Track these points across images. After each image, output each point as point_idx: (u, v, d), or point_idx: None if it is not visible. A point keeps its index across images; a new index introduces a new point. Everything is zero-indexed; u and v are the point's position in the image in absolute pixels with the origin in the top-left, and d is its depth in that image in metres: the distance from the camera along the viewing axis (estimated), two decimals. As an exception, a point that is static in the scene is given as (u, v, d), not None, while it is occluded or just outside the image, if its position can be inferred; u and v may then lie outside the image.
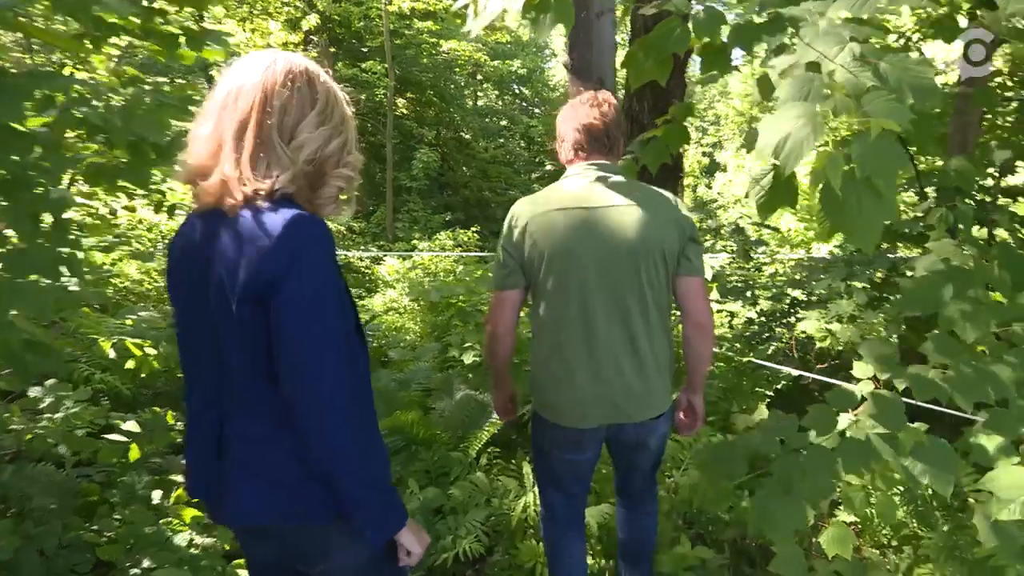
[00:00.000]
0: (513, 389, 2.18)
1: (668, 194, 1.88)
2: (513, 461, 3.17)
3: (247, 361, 1.15)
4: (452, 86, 19.86)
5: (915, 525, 2.83)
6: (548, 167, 21.14)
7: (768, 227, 5.45)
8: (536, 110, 23.89)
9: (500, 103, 23.18)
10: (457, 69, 19.43)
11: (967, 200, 2.98)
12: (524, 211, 1.84)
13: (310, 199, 1.21)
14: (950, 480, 1.68)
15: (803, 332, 3.51)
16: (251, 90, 1.16)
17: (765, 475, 1.81)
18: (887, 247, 4.83)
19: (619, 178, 1.84)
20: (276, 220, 1.10)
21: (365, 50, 16.70)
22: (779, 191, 1.79)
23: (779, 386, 3.55)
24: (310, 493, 1.18)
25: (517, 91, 23.76)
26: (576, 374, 1.83)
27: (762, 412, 3.41)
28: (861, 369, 2.08)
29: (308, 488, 1.18)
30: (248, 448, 1.20)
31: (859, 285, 3.68)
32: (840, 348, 3.41)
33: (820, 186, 1.39)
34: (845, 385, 2.09)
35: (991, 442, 1.86)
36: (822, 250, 8.92)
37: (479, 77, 21.74)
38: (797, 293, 4.63)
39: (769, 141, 1.42)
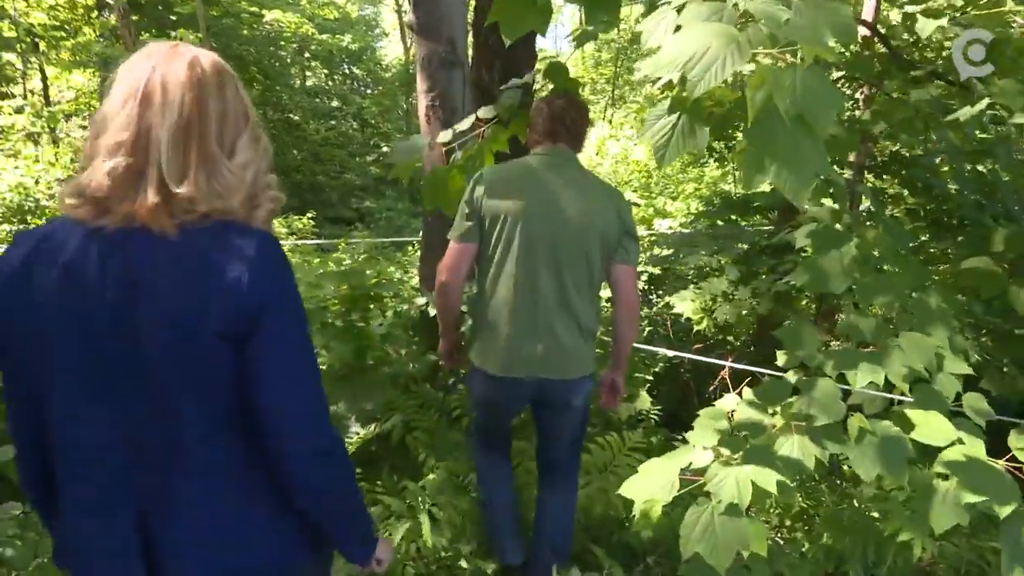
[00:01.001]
0: (459, 337, 2.33)
1: (615, 189, 2.12)
2: (379, 483, 2.71)
3: (204, 411, 0.98)
4: (277, 63, 18.45)
5: (804, 501, 2.78)
6: (384, 148, 20.52)
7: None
8: (368, 90, 23.04)
9: (330, 83, 22.01)
10: (283, 43, 18.06)
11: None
12: (490, 174, 2.01)
13: (247, 223, 1.03)
14: (904, 467, 1.51)
15: (677, 312, 3.38)
16: (180, 86, 0.97)
17: (700, 491, 1.57)
18: (747, 222, 4.92)
19: (577, 165, 2.07)
20: (246, 244, 0.96)
21: (174, 18, 14.96)
22: (684, 132, 1.50)
23: (657, 369, 3.42)
24: (285, 535, 1.09)
25: (347, 71, 22.72)
26: (514, 325, 2.00)
27: (644, 400, 3.24)
28: (786, 358, 1.91)
29: (281, 531, 1.08)
30: (203, 518, 1.01)
31: (726, 260, 3.62)
32: (715, 328, 3.33)
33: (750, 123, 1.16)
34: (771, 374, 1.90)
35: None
36: (662, 226, 9.17)
37: (307, 54, 20.43)
38: (657, 270, 4.56)
39: (677, 54, 1.15)
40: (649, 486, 1.64)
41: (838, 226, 2.25)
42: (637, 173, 12.37)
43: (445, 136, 2.37)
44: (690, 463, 1.65)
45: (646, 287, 4.66)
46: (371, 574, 1.23)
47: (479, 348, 2.09)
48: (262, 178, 1.06)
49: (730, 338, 3.63)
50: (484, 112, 2.47)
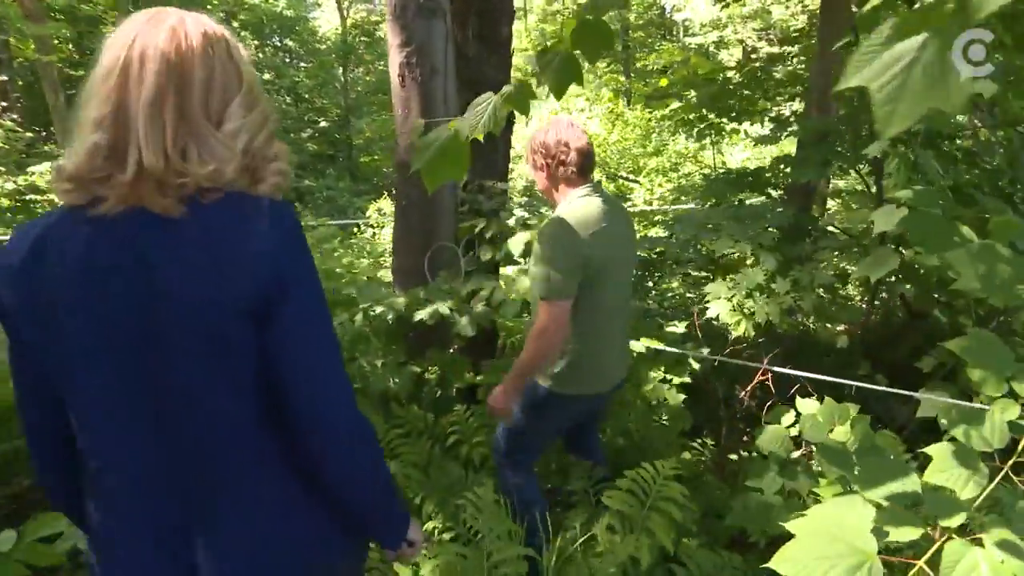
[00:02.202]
0: None
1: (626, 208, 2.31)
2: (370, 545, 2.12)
3: (236, 405, 0.93)
4: (203, 31, 17.07)
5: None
6: (322, 123, 19.48)
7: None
8: (303, 63, 21.84)
9: (261, 54, 20.68)
10: (209, 8, 16.73)
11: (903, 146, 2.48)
12: (584, 228, 2.03)
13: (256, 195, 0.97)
14: None
15: (711, 316, 2.85)
16: (158, 56, 0.90)
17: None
18: (753, 199, 4.44)
19: (610, 197, 2.21)
20: (261, 216, 0.92)
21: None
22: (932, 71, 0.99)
23: (685, 377, 2.91)
24: (327, 535, 1.03)
25: (280, 42, 21.43)
26: (606, 351, 2.19)
27: (680, 416, 2.72)
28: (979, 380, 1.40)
29: (323, 531, 1.03)
30: (243, 520, 0.96)
31: (756, 248, 3.11)
32: (756, 329, 2.81)
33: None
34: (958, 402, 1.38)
35: None
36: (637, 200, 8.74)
37: (235, 24, 19.08)
38: (652, 254, 4.05)
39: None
40: (817, 564, 1.10)
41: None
42: (598, 148, 11.90)
43: (417, 128, 1.69)
44: (885, 529, 1.12)
45: (643, 272, 4.16)
46: (402, 557, 1.20)
47: (562, 374, 2.15)
48: (263, 147, 0.99)
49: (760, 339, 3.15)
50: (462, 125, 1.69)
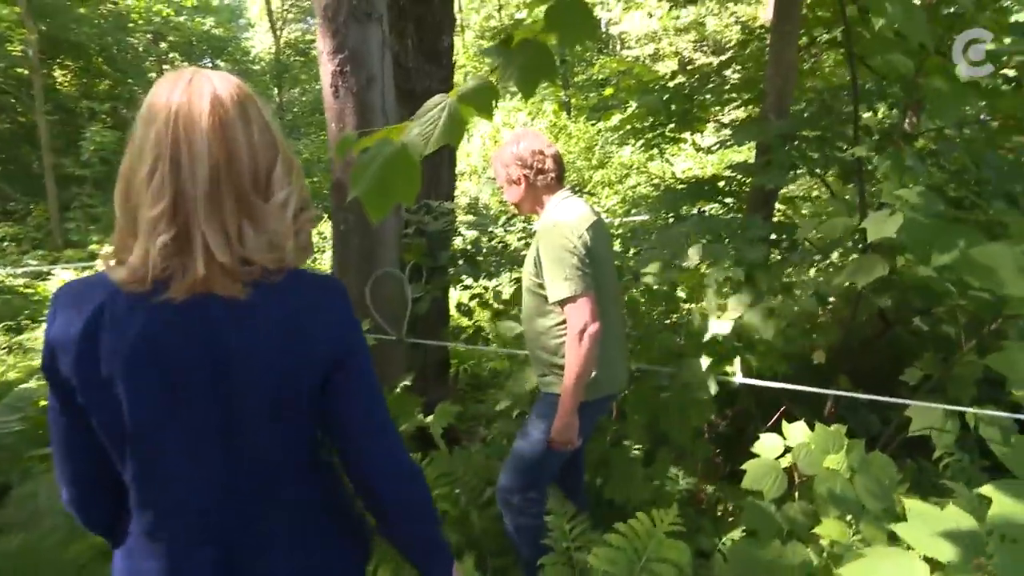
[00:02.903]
0: None
1: None
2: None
3: (294, 458, 1.05)
4: (128, 52, 16.35)
5: None
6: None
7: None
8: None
9: (192, 76, 19.89)
10: (133, 27, 16.00)
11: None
12: (580, 225, 2.11)
13: (306, 268, 1.05)
14: None
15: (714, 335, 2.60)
16: (204, 140, 0.90)
17: None
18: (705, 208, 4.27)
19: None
20: (324, 296, 1.03)
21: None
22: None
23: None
24: (352, 561, 1.17)
25: (211, 63, 20.75)
26: (616, 346, 2.27)
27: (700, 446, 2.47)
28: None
29: (349, 555, 1.17)
30: (293, 555, 1.07)
31: (727, 264, 2.89)
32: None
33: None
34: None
35: None
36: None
37: (163, 45, 18.34)
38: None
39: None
40: None
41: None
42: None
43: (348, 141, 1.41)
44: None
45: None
46: None
47: (595, 379, 2.15)
48: (306, 209, 1.02)
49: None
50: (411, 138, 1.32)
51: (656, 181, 10.05)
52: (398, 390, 2.52)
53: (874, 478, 2.12)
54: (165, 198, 0.89)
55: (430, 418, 2.40)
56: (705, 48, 18.97)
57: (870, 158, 2.28)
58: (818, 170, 2.97)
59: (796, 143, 3.21)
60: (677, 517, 1.99)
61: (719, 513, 2.96)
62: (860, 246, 2.58)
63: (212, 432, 0.97)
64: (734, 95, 4.34)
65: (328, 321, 1.00)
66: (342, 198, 2.89)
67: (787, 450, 2.30)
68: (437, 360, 4.12)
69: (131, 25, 15.94)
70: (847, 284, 2.55)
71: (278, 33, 22.07)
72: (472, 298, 3.87)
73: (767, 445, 2.35)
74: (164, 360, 0.93)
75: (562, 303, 2.05)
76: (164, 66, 18.89)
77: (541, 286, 2.14)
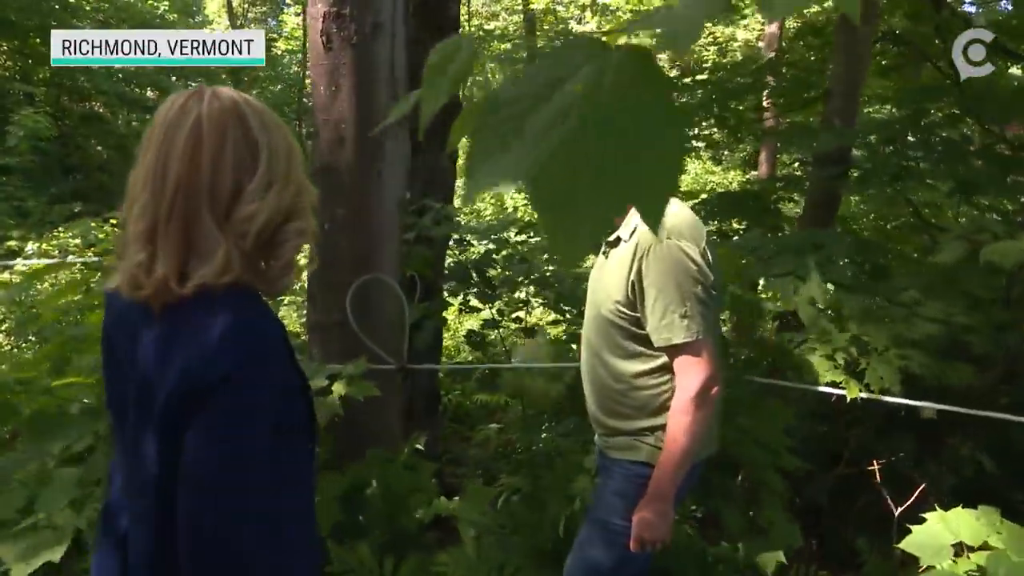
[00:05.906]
0: None
1: None
2: None
3: (163, 473, 0.97)
4: (73, 38, 15.21)
5: None
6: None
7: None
8: (191, 83, 20.14)
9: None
10: (82, 13, 14.92)
11: None
12: (701, 237, 1.61)
13: (260, 274, 1.01)
14: None
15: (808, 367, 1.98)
16: (175, 167, 0.95)
17: None
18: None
19: None
20: (205, 316, 0.93)
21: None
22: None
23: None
24: None
25: (165, 58, 19.64)
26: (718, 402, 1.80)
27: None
28: None
29: None
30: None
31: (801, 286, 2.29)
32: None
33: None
34: None
35: None
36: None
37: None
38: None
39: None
40: None
41: None
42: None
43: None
44: None
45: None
46: None
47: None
48: (281, 216, 0.99)
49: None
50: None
51: (687, 191, 9.53)
52: (406, 451, 1.80)
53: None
54: (145, 219, 0.95)
55: (453, 502, 1.69)
56: (678, 67, 18.72)
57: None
58: (930, 180, 2.41)
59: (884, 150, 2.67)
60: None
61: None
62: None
63: (126, 428, 1.01)
64: (781, 99, 3.83)
65: (196, 351, 0.91)
66: (330, 186, 2.18)
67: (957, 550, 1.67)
68: (427, 391, 3.45)
69: (82, 12, 14.89)
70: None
71: (239, 25, 21.12)
72: (484, 325, 3.16)
73: (923, 542, 1.70)
74: (111, 353, 1.06)
75: (673, 350, 1.53)
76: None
77: (635, 320, 1.54)
